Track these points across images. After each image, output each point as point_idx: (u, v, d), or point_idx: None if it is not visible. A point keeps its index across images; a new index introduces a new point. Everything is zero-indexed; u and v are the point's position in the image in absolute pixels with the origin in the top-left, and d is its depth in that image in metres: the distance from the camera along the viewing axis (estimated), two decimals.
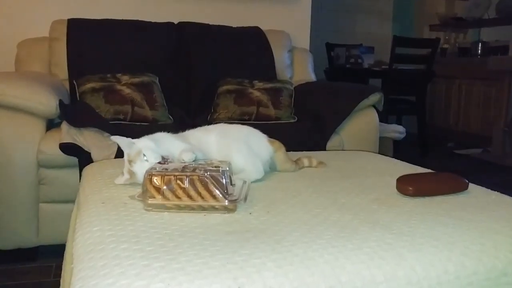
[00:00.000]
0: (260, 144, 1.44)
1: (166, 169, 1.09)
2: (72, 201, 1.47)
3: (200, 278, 0.75)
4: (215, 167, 1.11)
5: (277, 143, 1.48)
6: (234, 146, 1.35)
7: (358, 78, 4.60)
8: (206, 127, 1.46)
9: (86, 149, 1.97)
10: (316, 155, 1.63)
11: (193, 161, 1.20)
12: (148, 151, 1.22)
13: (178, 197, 1.04)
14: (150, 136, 1.30)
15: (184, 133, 1.40)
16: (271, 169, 1.47)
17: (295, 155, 1.58)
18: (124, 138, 1.27)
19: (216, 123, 2.23)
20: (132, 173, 1.23)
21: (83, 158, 1.93)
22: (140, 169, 1.20)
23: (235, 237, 0.90)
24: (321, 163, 1.55)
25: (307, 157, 1.55)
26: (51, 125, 2.14)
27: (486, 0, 5.65)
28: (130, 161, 1.23)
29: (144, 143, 1.24)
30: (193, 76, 2.80)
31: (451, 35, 6.07)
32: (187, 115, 2.60)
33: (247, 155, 1.34)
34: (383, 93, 2.55)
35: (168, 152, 1.24)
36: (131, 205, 1.08)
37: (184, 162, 1.18)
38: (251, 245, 0.87)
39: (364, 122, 2.51)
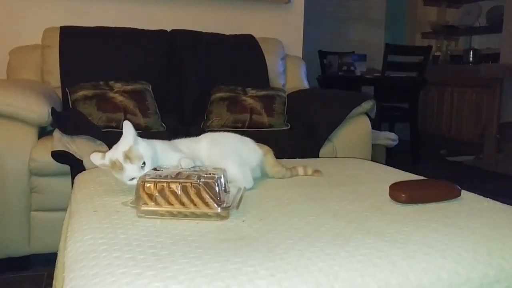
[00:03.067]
0: (250, 149, 1.45)
1: (160, 175, 1.09)
2: (64, 209, 1.46)
3: (192, 287, 0.74)
4: (209, 174, 1.11)
5: (265, 147, 1.48)
6: (225, 155, 1.35)
7: (350, 85, 4.61)
8: (194, 137, 1.45)
9: (78, 157, 1.96)
10: (310, 163, 1.63)
11: (190, 168, 1.19)
12: (149, 160, 1.20)
13: (171, 204, 1.04)
14: (151, 141, 1.27)
15: (174, 141, 1.39)
16: (262, 175, 1.47)
17: (289, 163, 1.57)
18: (133, 130, 1.23)
19: (209, 130, 2.22)
20: (116, 166, 1.19)
21: (75, 166, 1.92)
22: (133, 171, 1.18)
23: (228, 245, 0.90)
24: (317, 172, 1.54)
25: (302, 166, 1.54)
26: (43, 133, 2.13)
27: (477, 8, 5.70)
28: (126, 156, 1.19)
29: (148, 150, 1.21)
30: (186, 83, 2.80)
31: (443, 43, 6.12)
32: (180, 122, 2.59)
33: (238, 165, 1.33)
34: (375, 101, 2.56)
35: (162, 164, 1.22)
36: (123, 213, 1.07)
37: (181, 168, 1.17)
38: (244, 253, 0.86)
39: (356, 129, 2.52)
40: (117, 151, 1.20)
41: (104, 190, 1.27)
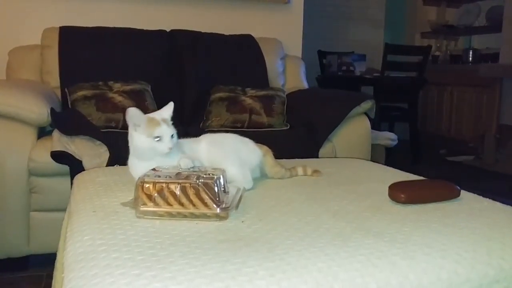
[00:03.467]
0: (249, 150, 1.45)
1: (159, 176, 1.09)
2: (63, 209, 1.46)
3: None
4: (209, 174, 1.11)
5: (265, 147, 1.48)
6: (224, 155, 1.35)
7: (350, 85, 4.61)
8: (195, 138, 1.45)
9: (77, 157, 1.96)
10: (309, 163, 1.63)
11: (190, 168, 1.19)
12: (175, 138, 1.24)
13: (170, 205, 1.04)
14: None
15: (178, 141, 1.39)
16: (262, 175, 1.46)
17: (288, 163, 1.57)
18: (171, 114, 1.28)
19: (208, 130, 2.23)
20: (153, 122, 1.22)
21: (75, 166, 1.92)
22: (168, 131, 1.22)
23: (227, 246, 0.90)
24: (316, 172, 1.54)
25: (301, 166, 1.54)
26: (42, 133, 2.12)
27: (476, 8, 5.70)
28: (164, 120, 1.24)
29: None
30: (185, 83, 2.80)
31: (443, 43, 6.12)
32: (180, 122, 2.59)
33: (237, 165, 1.33)
34: (375, 101, 2.56)
35: (162, 164, 1.23)
36: (122, 214, 1.07)
37: (180, 169, 1.17)
38: (243, 253, 0.86)
39: (356, 129, 2.52)
40: (156, 115, 1.26)
41: (103, 191, 1.27)
